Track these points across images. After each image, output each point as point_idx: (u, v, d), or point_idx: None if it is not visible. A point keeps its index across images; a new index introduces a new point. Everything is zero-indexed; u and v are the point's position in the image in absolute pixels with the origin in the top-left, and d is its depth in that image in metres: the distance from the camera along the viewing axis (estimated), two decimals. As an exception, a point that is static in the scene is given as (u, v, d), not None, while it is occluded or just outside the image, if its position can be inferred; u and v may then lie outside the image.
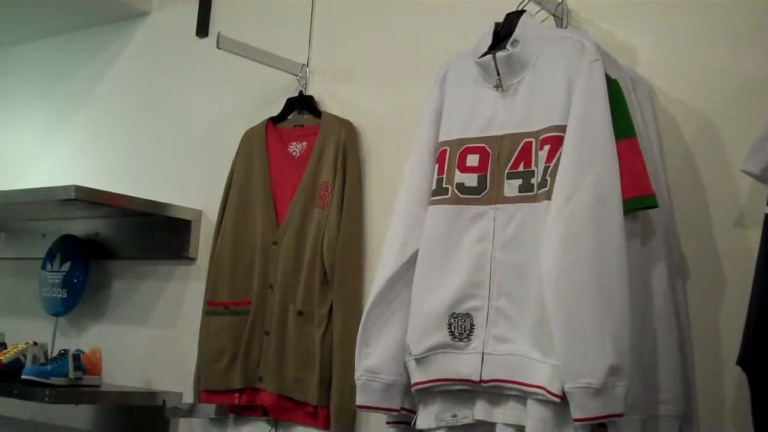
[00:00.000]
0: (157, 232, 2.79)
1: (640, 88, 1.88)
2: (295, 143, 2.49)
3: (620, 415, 1.58)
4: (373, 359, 1.88)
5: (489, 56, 1.87)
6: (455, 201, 1.85)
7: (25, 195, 2.63)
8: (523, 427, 1.69)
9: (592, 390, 1.57)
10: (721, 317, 1.81)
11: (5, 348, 2.73)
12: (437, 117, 1.95)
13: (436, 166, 1.90)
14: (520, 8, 1.91)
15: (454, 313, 1.80)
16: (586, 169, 1.67)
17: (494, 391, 1.75)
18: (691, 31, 1.94)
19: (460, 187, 1.85)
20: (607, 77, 1.74)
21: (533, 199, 1.76)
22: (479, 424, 1.79)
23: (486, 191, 1.83)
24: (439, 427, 1.81)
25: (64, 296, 2.91)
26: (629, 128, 1.72)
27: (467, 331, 1.79)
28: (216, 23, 2.85)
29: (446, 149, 1.90)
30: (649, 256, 1.75)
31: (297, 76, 2.55)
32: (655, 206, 1.70)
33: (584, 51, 1.76)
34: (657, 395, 1.72)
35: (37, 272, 3.02)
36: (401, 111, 2.34)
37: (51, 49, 3.44)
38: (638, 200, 1.68)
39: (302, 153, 2.46)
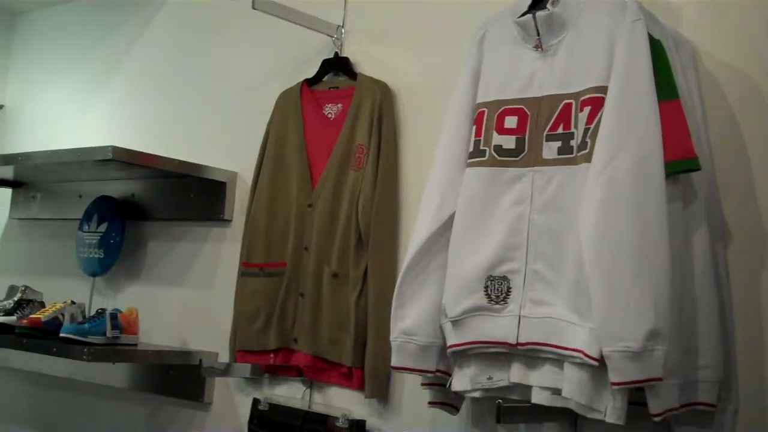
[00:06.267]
0: (192, 193, 2.80)
1: (683, 49, 1.84)
2: (330, 105, 2.47)
3: (659, 380, 1.57)
4: (409, 321, 1.88)
5: (529, 16, 1.84)
6: (492, 163, 1.83)
7: (63, 155, 2.65)
8: (559, 390, 1.69)
9: (630, 354, 1.56)
10: (763, 282, 1.78)
11: (43, 307, 2.77)
12: (475, 78, 1.93)
13: (474, 127, 1.88)
14: (561, -33, 1.88)
15: (491, 275, 1.79)
16: (628, 131, 1.64)
17: (530, 354, 1.75)
18: (735, -9, 1.90)
19: (498, 149, 1.83)
20: (650, 37, 1.71)
21: (572, 162, 1.74)
22: (515, 386, 1.79)
23: (524, 153, 1.81)
24: (474, 390, 1.82)
25: (101, 257, 2.94)
26: (672, 89, 1.69)
27: (504, 294, 1.78)
28: (251, -16, 2.83)
29: (484, 111, 1.88)
30: (690, 220, 1.73)
31: (332, 37, 2.53)
32: (697, 169, 1.68)
33: (626, 10, 1.73)
34: (696, 360, 1.70)
35: (75, 233, 3.05)
36: (438, 72, 2.31)
37: (87, 12, 3.44)
38: (680, 163, 1.65)
39: (337, 115, 2.45)
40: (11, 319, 2.71)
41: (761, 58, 1.84)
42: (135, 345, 2.63)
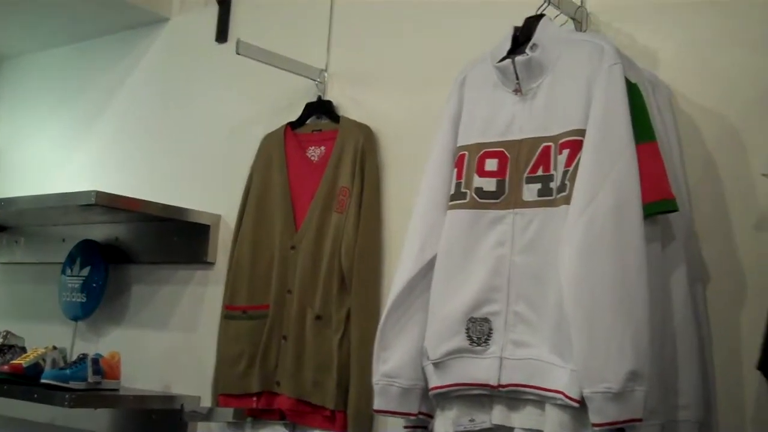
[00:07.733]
0: (176, 236, 2.80)
1: (659, 91, 1.87)
2: (313, 148, 2.49)
3: (639, 420, 1.57)
4: (391, 363, 1.88)
5: (508, 60, 1.86)
6: (474, 205, 1.85)
7: (47, 200, 2.65)
8: (541, 431, 1.69)
9: (611, 395, 1.56)
10: (741, 322, 1.79)
11: (25, 352, 2.75)
12: (456, 121, 1.95)
13: (455, 170, 1.90)
14: (539, 12, 1.91)
15: (473, 317, 1.80)
16: (606, 173, 1.66)
17: (512, 396, 1.75)
18: (711, 34, 1.93)
19: (479, 191, 1.85)
20: (627, 81, 1.73)
21: (552, 204, 1.75)
22: (497, 428, 1.79)
23: (504, 196, 1.82)
24: (456, 432, 1.81)
25: (83, 300, 2.93)
26: (649, 132, 1.71)
27: (485, 336, 1.78)
28: (235, 29, 2.86)
29: (465, 154, 1.89)
30: (669, 261, 1.74)
31: (316, 81, 2.55)
32: (675, 210, 1.69)
33: (604, 55, 1.75)
34: (676, 400, 1.71)
35: (57, 277, 3.03)
36: (420, 116, 2.34)
37: (72, 56, 3.46)
38: (658, 204, 1.67)
39: (321, 158, 2.46)
40: (-8, 364, 2.69)
41: (737, 100, 1.87)
42: (117, 390, 2.61)
